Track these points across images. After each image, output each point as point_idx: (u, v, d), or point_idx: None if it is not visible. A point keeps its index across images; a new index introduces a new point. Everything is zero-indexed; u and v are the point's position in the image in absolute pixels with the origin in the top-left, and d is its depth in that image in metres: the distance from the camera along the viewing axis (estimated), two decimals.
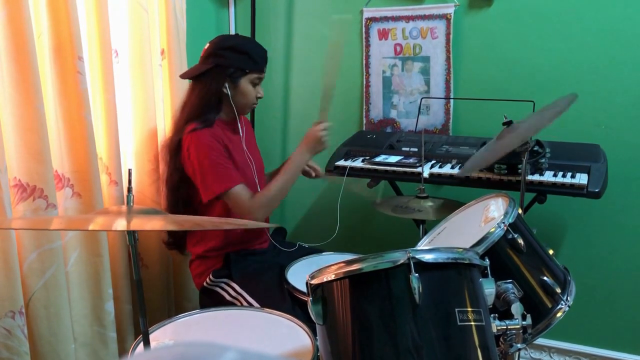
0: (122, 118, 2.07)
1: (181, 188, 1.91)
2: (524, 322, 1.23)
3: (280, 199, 1.93)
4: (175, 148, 1.90)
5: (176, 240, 2.05)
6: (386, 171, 2.13)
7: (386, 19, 2.48)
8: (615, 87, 2.16)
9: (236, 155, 1.94)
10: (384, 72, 2.53)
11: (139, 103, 2.11)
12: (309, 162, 2.06)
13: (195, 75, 1.94)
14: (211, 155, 1.83)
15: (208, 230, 1.98)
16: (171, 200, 1.96)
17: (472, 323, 1.11)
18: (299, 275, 1.80)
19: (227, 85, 1.90)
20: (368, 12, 2.51)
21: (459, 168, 2.07)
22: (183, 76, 2.01)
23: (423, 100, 2.44)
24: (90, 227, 1.19)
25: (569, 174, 1.93)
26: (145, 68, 2.09)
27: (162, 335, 1.42)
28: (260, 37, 2.68)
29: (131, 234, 1.14)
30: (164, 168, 2.04)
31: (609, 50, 2.15)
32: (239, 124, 2.04)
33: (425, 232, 1.73)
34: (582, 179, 1.88)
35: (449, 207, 1.84)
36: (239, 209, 1.85)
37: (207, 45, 1.93)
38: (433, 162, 2.15)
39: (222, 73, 1.89)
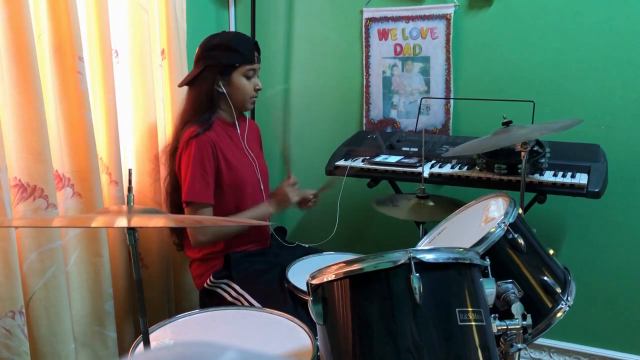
0: (122, 118, 2.07)
1: (177, 192, 1.94)
2: (524, 322, 1.23)
3: (229, 236, 1.95)
4: (172, 154, 1.96)
5: (182, 241, 2.06)
6: (386, 171, 2.13)
7: (386, 19, 2.48)
8: (615, 87, 2.16)
9: (233, 156, 1.95)
10: (384, 72, 2.53)
11: (139, 103, 2.11)
12: (305, 194, 2.04)
13: (189, 81, 1.96)
14: (195, 167, 1.85)
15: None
16: (169, 204, 2.00)
17: (473, 323, 1.11)
18: (299, 275, 1.80)
19: (220, 84, 1.91)
20: (368, 12, 2.50)
21: (459, 168, 2.07)
22: (180, 84, 2.04)
23: (423, 100, 2.44)
24: (92, 225, 1.20)
25: (569, 174, 1.93)
26: (145, 68, 2.09)
27: (162, 335, 1.42)
28: (260, 37, 2.68)
29: (131, 233, 1.14)
30: (164, 173, 2.08)
31: (609, 50, 2.15)
32: (239, 123, 2.05)
33: (425, 232, 1.73)
34: (582, 179, 1.88)
35: (449, 207, 1.84)
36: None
37: (197, 49, 1.95)
38: (433, 162, 2.15)
39: (213, 73, 1.90)
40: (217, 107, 1.95)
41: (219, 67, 1.90)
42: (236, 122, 2.00)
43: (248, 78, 1.93)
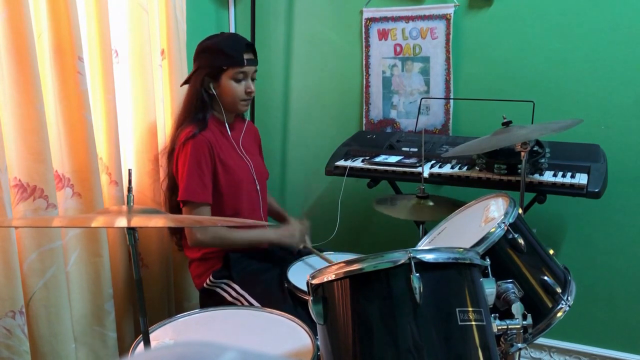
0: (122, 118, 2.07)
1: (175, 194, 1.94)
2: (524, 322, 1.23)
3: (227, 247, 1.94)
4: (169, 156, 1.97)
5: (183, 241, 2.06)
6: (386, 171, 2.13)
7: (386, 19, 2.48)
8: (615, 87, 2.16)
9: (229, 157, 1.95)
10: (383, 72, 2.53)
11: (139, 103, 2.11)
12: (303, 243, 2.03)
13: (186, 81, 1.99)
14: (191, 167, 1.85)
15: None
16: (168, 206, 2.01)
17: (473, 323, 1.11)
18: (299, 275, 1.80)
19: (210, 86, 1.92)
20: (368, 12, 2.50)
21: (459, 168, 2.07)
22: (181, 84, 2.06)
23: (423, 100, 2.44)
24: (92, 225, 1.20)
25: (569, 174, 1.93)
26: (145, 68, 2.09)
27: (162, 335, 1.42)
28: (260, 37, 2.68)
29: (131, 233, 1.14)
30: (163, 175, 2.08)
31: (609, 50, 2.15)
32: (237, 124, 2.05)
33: (425, 232, 1.73)
34: (582, 179, 1.88)
35: (449, 207, 1.84)
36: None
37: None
38: (433, 162, 2.15)
39: (202, 75, 1.91)
40: (210, 107, 1.95)
41: (208, 69, 1.91)
42: (226, 124, 1.99)
43: (237, 81, 1.92)
